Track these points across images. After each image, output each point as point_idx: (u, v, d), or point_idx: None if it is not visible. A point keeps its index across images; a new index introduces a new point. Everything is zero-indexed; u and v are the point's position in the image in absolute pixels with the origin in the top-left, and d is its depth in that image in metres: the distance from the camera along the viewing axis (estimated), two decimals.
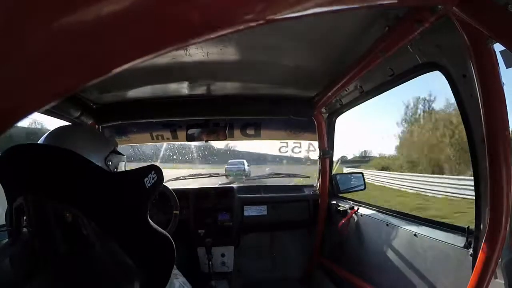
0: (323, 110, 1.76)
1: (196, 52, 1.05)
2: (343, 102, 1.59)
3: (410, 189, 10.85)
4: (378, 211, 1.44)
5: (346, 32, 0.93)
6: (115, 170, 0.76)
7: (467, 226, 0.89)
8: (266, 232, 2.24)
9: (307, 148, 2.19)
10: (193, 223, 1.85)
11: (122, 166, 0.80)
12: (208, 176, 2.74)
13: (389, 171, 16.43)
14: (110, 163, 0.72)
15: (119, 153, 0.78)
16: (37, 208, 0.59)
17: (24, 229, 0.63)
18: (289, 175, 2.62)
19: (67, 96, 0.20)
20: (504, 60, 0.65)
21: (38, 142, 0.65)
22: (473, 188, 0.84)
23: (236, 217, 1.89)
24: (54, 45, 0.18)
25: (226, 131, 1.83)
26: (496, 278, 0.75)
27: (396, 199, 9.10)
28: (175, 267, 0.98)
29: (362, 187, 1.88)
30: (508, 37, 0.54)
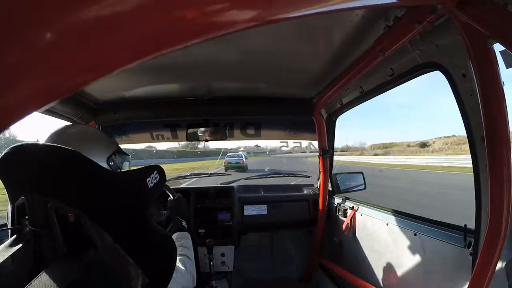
0: (323, 110, 1.77)
1: (196, 52, 1.05)
2: (343, 102, 1.59)
3: None
4: (378, 211, 1.44)
5: (346, 32, 0.93)
6: (118, 170, 0.76)
7: (464, 225, 0.89)
8: (266, 231, 2.24)
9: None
10: (194, 222, 1.85)
11: (126, 166, 0.80)
12: (209, 176, 2.74)
13: None
14: (112, 163, 0.72)
15: (124, 153, 0.78)
16: (39, 208, 0.59)
17: (26, 229, 0.63)
18: (288, 175, 2.63)
19: (67, 96, 0.20)
20: (504, 60, 0.65)
21: (37, 142, 0.65)
22: None
23: (236, 216, 1.89)
24: (55, 46, 0.18)
25: (226, 131, 1.84)
26: (496, 278, 0.75)
27: None
28: (187, 236, 0.98)
29: (362, 186, 1.88)
30: (508, 37, 0.54)
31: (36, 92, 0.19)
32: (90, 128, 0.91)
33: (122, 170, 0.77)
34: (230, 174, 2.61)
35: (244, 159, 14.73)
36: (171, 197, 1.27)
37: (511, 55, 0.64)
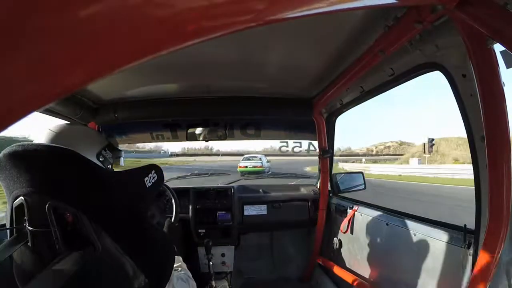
0: (323, 110, 1.77)
1: (196, 52, 1.05)
2: (343, 102, 1.59)
3: None
4: (378, 211, 1.44)
5: (346, 32, 0.93)
6: (110, 166, 0.76)
7: (464, 225, 0.89)
8: (266, 231, 2.24)
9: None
10: (193, 222, 1.85)
11: (122, 162, 0.80)
12: (209, 175, 2.74)
13: None
14: (102, 159, 0.72)
15: (116, 149, 0.78)
16: (38, 208, 0.59)
17: (25, 229, 0.63)
18: (289, 175, 2.63)
19: (67, 96, 0.20)
20: (504, 60, 0.65)
21: (34, 142, 0.65)
22: None
23: (236, 216, 1.89)
24: (55, 45, 0.18)
25: (226, 131, 1.84)
26: (496, 278, 0.75)
27: None
28: (181, 259, 0.99)
29: (362, 186, 1.88)
30: (508, 37, 0.54)
31: (36, 92, 0.19)
32: (77, 126, 0.90)
33: (118, 166, 0.77)
34: (230, 174, 2.61)
35: (264, 162, 11.88)
36: (173, 202, 1.26)
37: (511, 55, 0.64)
